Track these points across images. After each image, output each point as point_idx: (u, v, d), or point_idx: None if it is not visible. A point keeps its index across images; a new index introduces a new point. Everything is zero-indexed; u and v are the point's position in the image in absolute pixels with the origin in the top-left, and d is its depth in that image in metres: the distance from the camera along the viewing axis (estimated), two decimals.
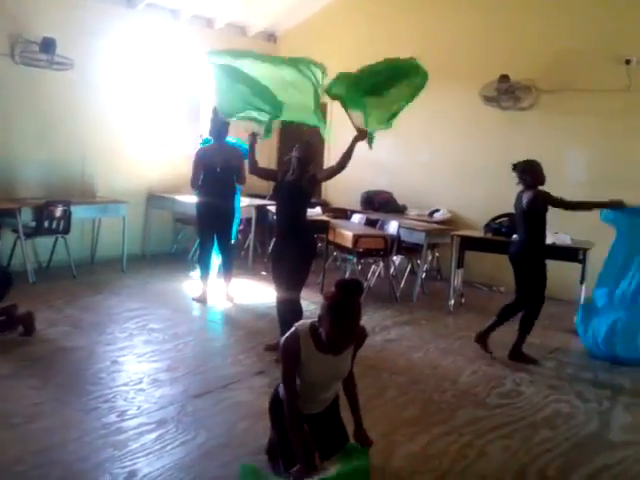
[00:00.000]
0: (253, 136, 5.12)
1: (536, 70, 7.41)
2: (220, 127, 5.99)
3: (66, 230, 6.76)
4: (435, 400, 4.30)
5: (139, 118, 8.03)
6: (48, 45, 6.66)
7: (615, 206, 5.18)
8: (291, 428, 2.77)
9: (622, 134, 7.07)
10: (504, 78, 7.54)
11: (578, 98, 7.21)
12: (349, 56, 9.01)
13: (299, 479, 2.67)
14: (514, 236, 5.65)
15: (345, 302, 2.61)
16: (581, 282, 6.03)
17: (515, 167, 5.28)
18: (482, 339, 5.23)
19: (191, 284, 6.73)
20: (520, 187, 5.29)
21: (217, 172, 6.07)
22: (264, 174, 5.28)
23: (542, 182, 5.15)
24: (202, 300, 6.23)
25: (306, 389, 2.85)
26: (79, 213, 6.93)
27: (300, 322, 2.88)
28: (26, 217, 6.48)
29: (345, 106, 4.70)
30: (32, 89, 6.87)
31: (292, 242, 4.81)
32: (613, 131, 7.11)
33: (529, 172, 5.15)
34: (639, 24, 6.89)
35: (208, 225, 6.23)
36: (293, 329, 2.82)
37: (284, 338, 2.82)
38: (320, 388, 2.88)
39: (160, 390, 4.14)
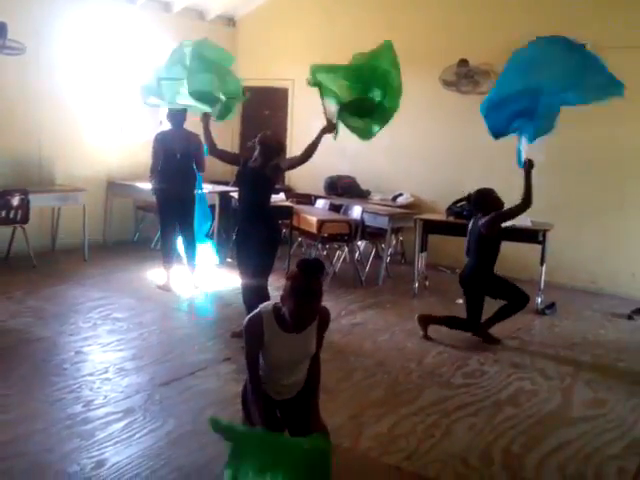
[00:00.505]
0: (206, 117, 5.08)
1: (494, 55, 7.45)
2: (177, 113, 5.92)
3: (24, 219, 6.60)
4: (401, 381, 4.36)
5: (96, 104, 7.86)
6: None
7: (528, 170, 5.05)
8: (253, 401, 2.80)
9: (577, 118, 7.19)
10: (463, 62, 7.61)
11: None
12: (309, 41, 9.01)
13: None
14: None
15: (307, 281, 2.65)
16: (541, 263, 6.17)
17: (469, 199, 5.34)
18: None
19: (155, 272, 6.65)
20: None
21: (177, 158, 6.00)
22: (225, 157, 5.23)
23: (501, 206, 5.16)
24: (166, 288, 6.18)
25: (274, 371, 2.86)
26: (37, 202, 6.77)
27: (263, 304, 2.89)
28: None
29: (322, 94, 4.66)
30: None
31: (256, 229, 4.80)
32: (569, 115, 7.21)
33: (483, 204, 5.18)
34: (594, 9, 7.02)
35: (169, 212, 6.16)
36: (256, 311, 2.84)
37: (247, 320, 2.84)
38: (287, 369, 2.89)
39: (126, 379, 4.10)
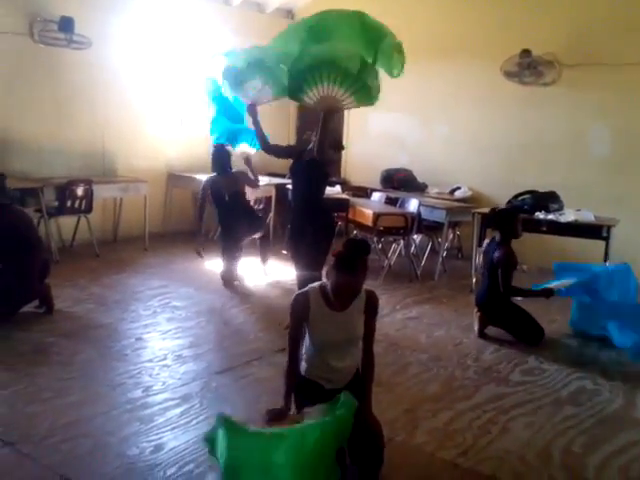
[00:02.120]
0: (252, 107, 5.00)
1: (558, 44, 7.28)
2: (222, 159, 6.09)
3: (88, 209, 6.81)
4: (457, 377, 4.30)
5: (158, 97, 8.03)
6: (66, 24, 6.66)
7: (546, 294, 5.00)
8: (285, 373, 2.93)
9: None
10: (525, 53, 7.40)
11: (602, 72, 7.08)
12: None
13: (272, 418, 2.74)
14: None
15: (351, 258, 2.74)
16: (605, 259, 5.96)
17: (495, 215, 5.28)
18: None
19: (213, 262, 6.74)
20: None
21: (225, 200, 6.10)
22: (279, 151, 5.17)
23: (517, 236, 5.12)
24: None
25: (322, 352, 2.89)
26: (101, 192, 6.98)
27: (311, 284, 2.97)
28: (49, 196, 6.54)
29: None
30: (52, 68, 6.90)
31: (311, 222, 4.79)
32: (637, 105, 6.98)
33: (502, 225, 5.10)
34: None
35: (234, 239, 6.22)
36: (303, 289, 2.94)
37: (294, 296, 2.93)
38: (335, 351, 2.90)
39: (184, 366, 4.18)
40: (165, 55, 7.99)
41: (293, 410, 2.89)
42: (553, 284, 5.08)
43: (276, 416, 2.74)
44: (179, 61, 8.17)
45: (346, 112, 9.23)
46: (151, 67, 7.86)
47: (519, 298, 5.31)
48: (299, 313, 2.86)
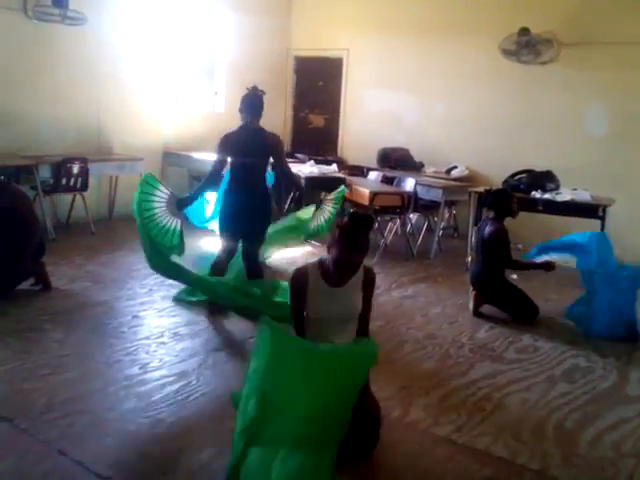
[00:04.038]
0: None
1: (557, 22, 7.23)
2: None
3: (84, 187, 6.78)
4: (452, 354, 4.33)
5: (154, 74, 7.96)
6: None
7: (546, 268, 5.01)
8: None
9: None
10: (524, 31, 7.35)
11: (600, 51, 7.05)
12: (365, 9, 8.86)
13: None
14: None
15: (354, 231, 2.78)
16: None
17: (490, 195, 5.30)
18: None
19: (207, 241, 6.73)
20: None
21: None
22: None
23: (514, 215, 5.15)
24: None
25: (321, 328, 2.91)
26: (96, 170, 6.94)
27: (311, 261, 3.04)
28: (44, 174, 6.51)
29: None
30: (46, 44, 6.82)
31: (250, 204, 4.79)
32: (635, 85, 6.96)
33: (498, 205, 5.12)
34: None
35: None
36: (302, 265, 3.02)
37: (294, 271, 2.99)
38: (334, 327, 2.93)
39: (181, 344, 4.20)
40: (161, 31, 7.90)
41: None
42: (554, 256, 5.07)
43: None
44: (175, 38, 8.10)
45: (343, 90, 9.20)
46: (147, 43, 7.78)
47: (514, 277, 5.35)
48: (299, 286, 2.90)
